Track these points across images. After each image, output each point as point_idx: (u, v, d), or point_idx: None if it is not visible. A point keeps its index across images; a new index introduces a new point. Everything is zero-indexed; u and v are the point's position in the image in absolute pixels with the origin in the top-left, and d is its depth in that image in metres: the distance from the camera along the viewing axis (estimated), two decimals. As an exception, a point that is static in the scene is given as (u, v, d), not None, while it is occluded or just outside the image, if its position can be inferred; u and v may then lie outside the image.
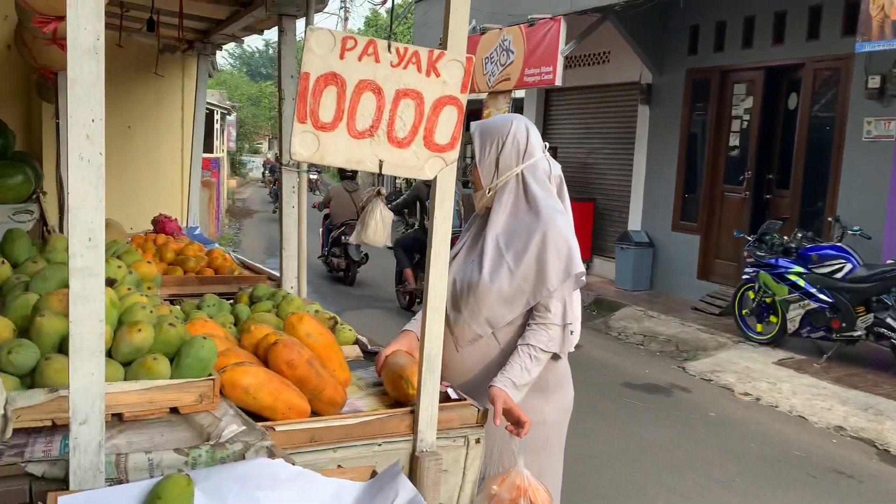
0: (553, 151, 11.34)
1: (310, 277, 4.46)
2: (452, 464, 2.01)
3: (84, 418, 1.33)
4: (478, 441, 2.05)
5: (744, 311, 7.46)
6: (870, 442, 5.22)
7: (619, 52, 10.12)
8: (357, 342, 2.59)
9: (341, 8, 30.35)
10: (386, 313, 8.85)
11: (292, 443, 1.77)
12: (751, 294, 7.30)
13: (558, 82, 9.14)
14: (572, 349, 2.38)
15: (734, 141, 9.13)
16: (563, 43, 8.93)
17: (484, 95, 10.67)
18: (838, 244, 6.73)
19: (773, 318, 7.12)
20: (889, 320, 6.22)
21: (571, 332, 2.27)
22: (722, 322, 8.09)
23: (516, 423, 2.07)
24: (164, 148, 6.56)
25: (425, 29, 13.61)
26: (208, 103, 11.41)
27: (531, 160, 2.30)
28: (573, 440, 5.14)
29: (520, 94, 11.71)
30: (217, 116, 22.22)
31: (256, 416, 1.79)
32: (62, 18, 2.32)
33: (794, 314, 6.78)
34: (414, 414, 1.92)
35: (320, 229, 11.36)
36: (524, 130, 2.32)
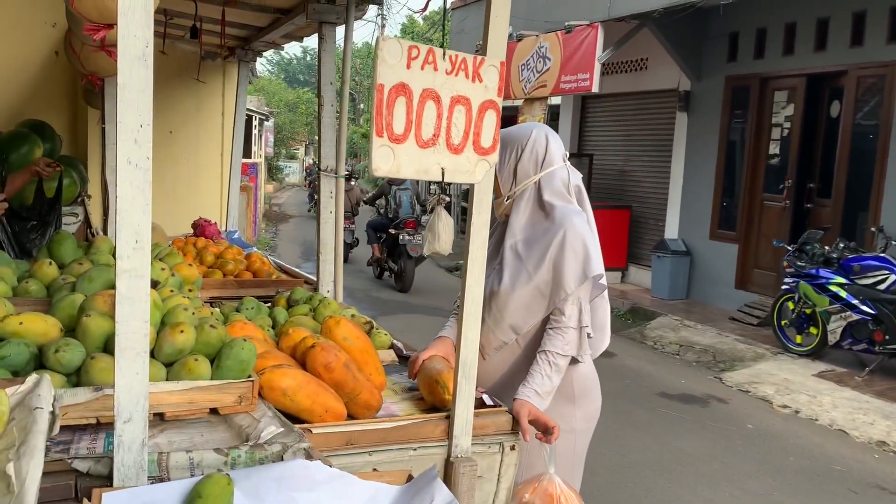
0: (589, 159, 11.32)
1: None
2: (487, 470, 2.01)
3: (128, 417, 1.36)
4: (512, 448, 2.04)
5: (783, 322, 7.33)
6: (914, 458, 5.09)
7: (656, 59, 10.05)
8: (392, 346, 2.61)
9: (378, 15, 30.59)
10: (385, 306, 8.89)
11: (329, 445, 1.79)
12: (790, 305, 7.17)
13: (595, 89, 9.12)
14: (595, 354, 2.36)
15: (774, 149, 8.98)
16: (600, 50, 8.90)
17: (520, 102, 10.67)
18: (882, 255, 6.57)
19: (813, 330, 6.98)
20: (934, 333, 6.06)
21: (589, 335, 2.26)
22: (760, 333, 7.95)
23: (544, 430, 2.07)
24: (204, 153, 6.67)
25: (461, 36, 13.65)
26: (247, 109, 11.56)
27: (550, 169, 2.30)
28: (608, 449, 5.06)
29: (556, 100, 11.68)
30: (255, 122, 22.53)
31: (293, 418, 1.81)
32: (111, 26, 2.38)
33: (835, 326, 6.64)
34: (449, 419, 1.92)
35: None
36: (543, 139, 2.32)
